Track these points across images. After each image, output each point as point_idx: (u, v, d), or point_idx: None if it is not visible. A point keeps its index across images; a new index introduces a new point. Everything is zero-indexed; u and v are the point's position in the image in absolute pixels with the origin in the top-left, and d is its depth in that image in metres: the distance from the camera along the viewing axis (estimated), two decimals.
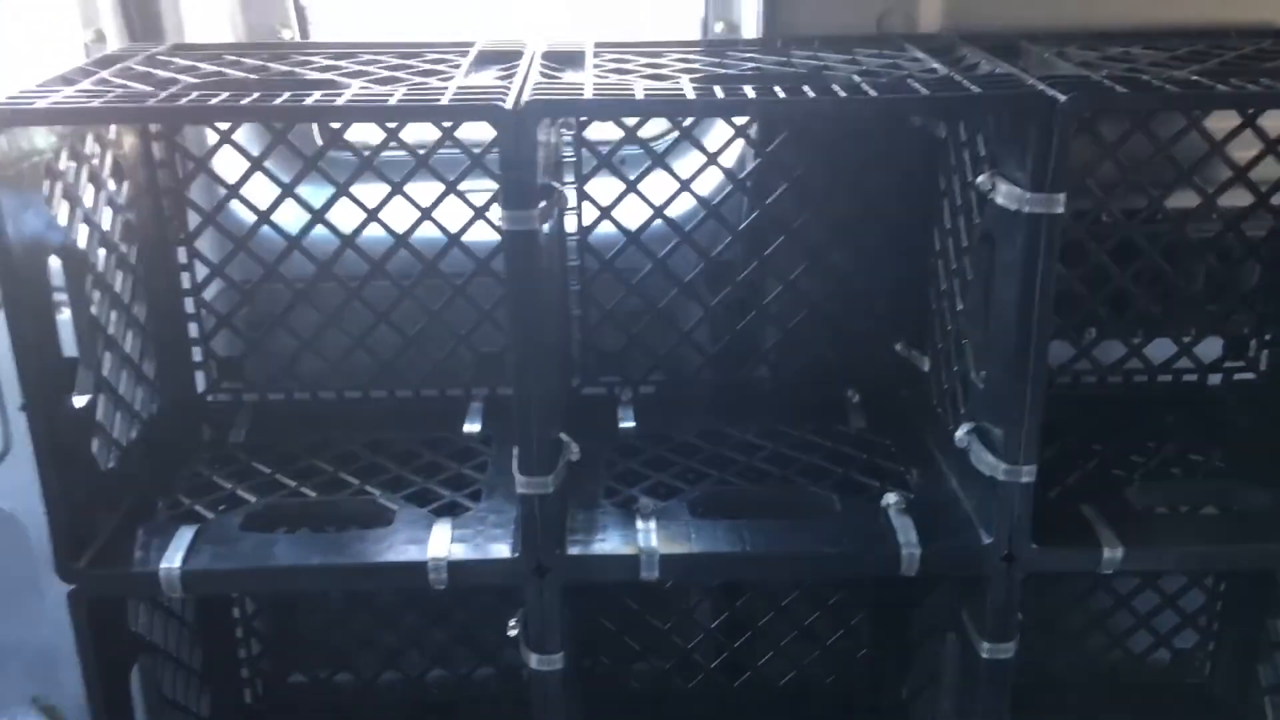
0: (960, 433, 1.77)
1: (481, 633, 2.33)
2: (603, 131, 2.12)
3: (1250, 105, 1.85)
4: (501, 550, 1.73)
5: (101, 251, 1.80)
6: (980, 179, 1.65)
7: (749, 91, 1.59)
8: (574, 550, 1.73)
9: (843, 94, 1.56)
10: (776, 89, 1.58)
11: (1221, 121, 1.97)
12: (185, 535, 1.73)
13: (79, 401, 1.71)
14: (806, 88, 1.59)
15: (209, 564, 1.69)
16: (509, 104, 1.51)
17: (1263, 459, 1.97)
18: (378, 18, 2.42)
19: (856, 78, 1.66)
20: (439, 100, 1.55)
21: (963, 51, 1.85)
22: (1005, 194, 1.59)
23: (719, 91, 1.60)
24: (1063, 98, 1.49)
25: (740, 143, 2.07)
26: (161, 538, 1.74)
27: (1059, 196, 1.53)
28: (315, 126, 2.20)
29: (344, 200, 2.00)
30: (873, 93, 1.57)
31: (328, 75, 1.75)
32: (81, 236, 1.73)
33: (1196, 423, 2.09)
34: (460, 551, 1.72)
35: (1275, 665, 2.20)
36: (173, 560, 1.68)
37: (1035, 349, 1.60)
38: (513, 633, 1.79)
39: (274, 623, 2.33)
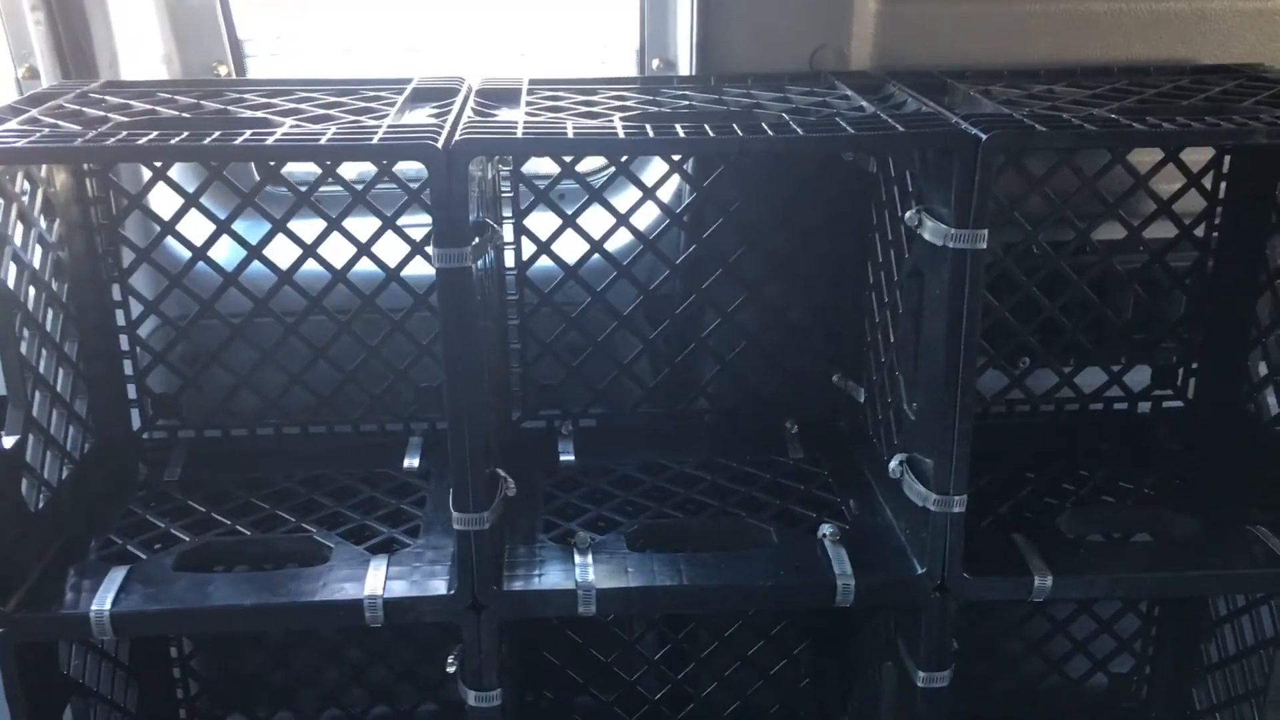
0: (893, 463, 1.79)
1: (424, 669, 2.32)
2: (540, 166, 2.14)
3: (1164, 143, 1.91)
4: (438, 587, 1.72)
5: (31, 290, 1.79)
6: (908, 215, 1.68)
7: (679, 130, 1.61)
8: (511, 586, 1.73)
9: (771, 133, 1.59)
10: (706, 127, 1.60)
11: (1145, 156, 2.02)
12: (116, 576, 1.71)
13: (7, 442, 1.69)
14: (735, 126, 1.61)
15: (140, 605, 1.67)
16: (440, 143, 1.52)
17: (1191, 486, 2.01)
18: (324, 52, 2.41)
19: (786, 116, 1.68)
20: (370, 139, 1.56)
21: (891, 89, 1.89)
22: (931, 230, 1.62)
23: (649, 130, 1.62)
24: (984, 136, 1.52)
25: (677, 178, 2.10)
26: (92, 579, 1.72)
27: (982, 232, 1.56)
28: (251, 163, 2.20)
29: (281, 235, 2.00)
30: (800, 131, 1.59)
31: (261, 113, 1.75)
32: (10, 275, 1.71)
33: (1127, 450, 2.13)
34: (396, 589, 1.71)
35: (1210, 688, 2.23)
36: (103, 602, 1.66)
37: (963, 381, 1.63)
38: (451, 669, 1.79)
39: (212, 662, 2.31)
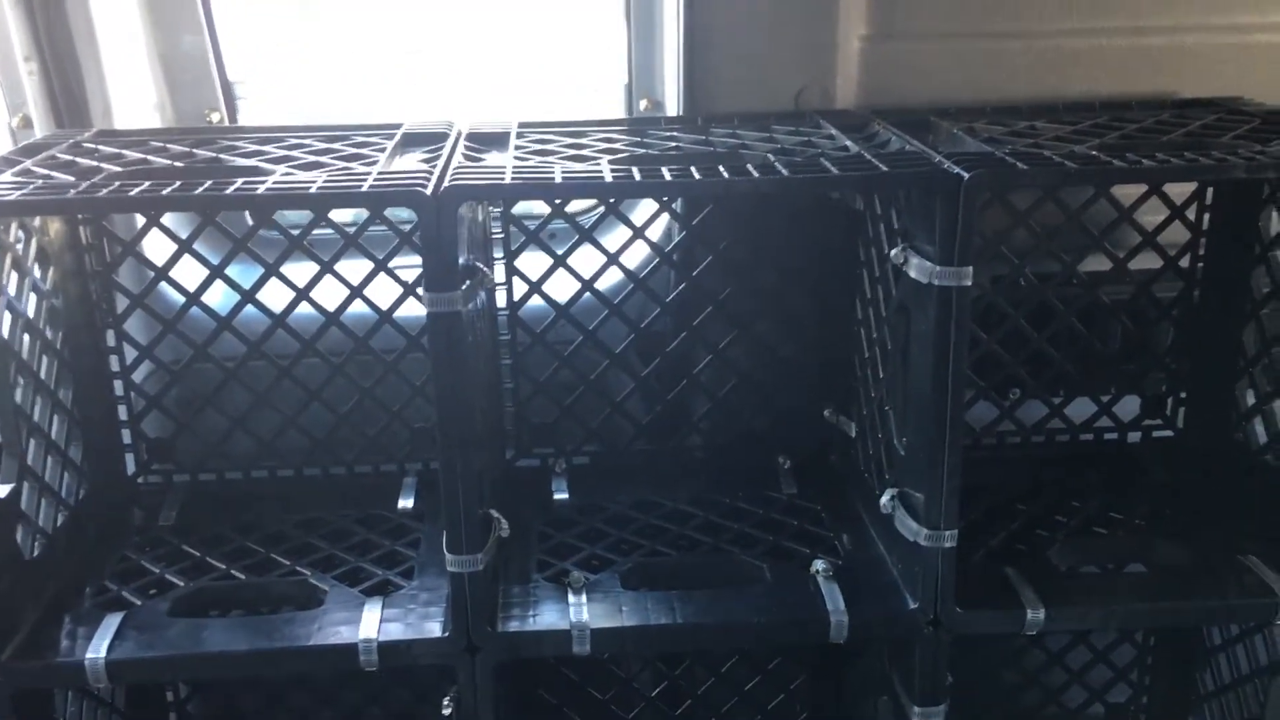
0: (884, 498, 1.80)
1: (421, 710, 2.31)
2: (531, 206, 2.16)
3: (1144, 179, 1.93)
4: (433, 629, 1.73)
5: (25, 337, 1.80)
6: (893, 252, 1.70)
7: (665, 173, 1.63)
8: (506, 627, 1.73)
9: (756, 174, 1.61)
10: (693, 169, 1.63)
11: (1130, 188, 2.04)
12: (111, 623, 1.72)
13: (1, 490, 1.70)
14: (722, 168, 1.63)
15: (135, 652, 1.68)
16: (429, 189, 1.54)
17: (1182, 516, 2.02)
18: (322, 61, 2.43)
19: (771, 156, 1.70)
20: (360, 187, 1.57)
21: (875, 128, 1.91)
22: (917, 267, 1.63)
23: (636, 173, 1.64)
24: (966, 175, 1.54)
25: (666, 216, 2.11)
26: (87, 626, 1.72)
27: (967, 269, 1.57)
28: None
29: (274, 279, 2.01)
30: (785, 172, 1.61)
31: (252, 161, 1.77)
32: (4, 324, 1.72)
33: (1118, 480, 2.13)
34: (391, 631, 1.72)
35: (1206, 717, 2.23)
36: (98, 649, 1.66)
37: (951, 417, 1.64)
38: (447, 711, 1.79)
39: (208, 705, 2.30)
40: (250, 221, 2.14)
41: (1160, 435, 2.20)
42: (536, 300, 2.10)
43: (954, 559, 1.70)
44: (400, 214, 2.07)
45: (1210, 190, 2.06)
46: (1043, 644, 2.31)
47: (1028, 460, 2.19)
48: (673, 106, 2.17)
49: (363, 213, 2.06)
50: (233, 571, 1.90)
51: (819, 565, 1.83)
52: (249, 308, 2.02)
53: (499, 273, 2.08)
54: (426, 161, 1.73)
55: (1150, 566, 1.94)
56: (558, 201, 2.04)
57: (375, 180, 1.60)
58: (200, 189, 1.56)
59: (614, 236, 2.12)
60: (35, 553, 1.78)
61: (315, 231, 2.03)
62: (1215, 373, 2.11)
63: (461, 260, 1.60)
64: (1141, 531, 1.99)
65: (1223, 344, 2.08)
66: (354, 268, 2.04)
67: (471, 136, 1.90)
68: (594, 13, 2.30)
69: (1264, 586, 1.78)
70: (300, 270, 2.03)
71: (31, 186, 1.59)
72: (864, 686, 2.05)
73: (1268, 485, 1.99)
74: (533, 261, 2.09)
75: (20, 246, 1.80)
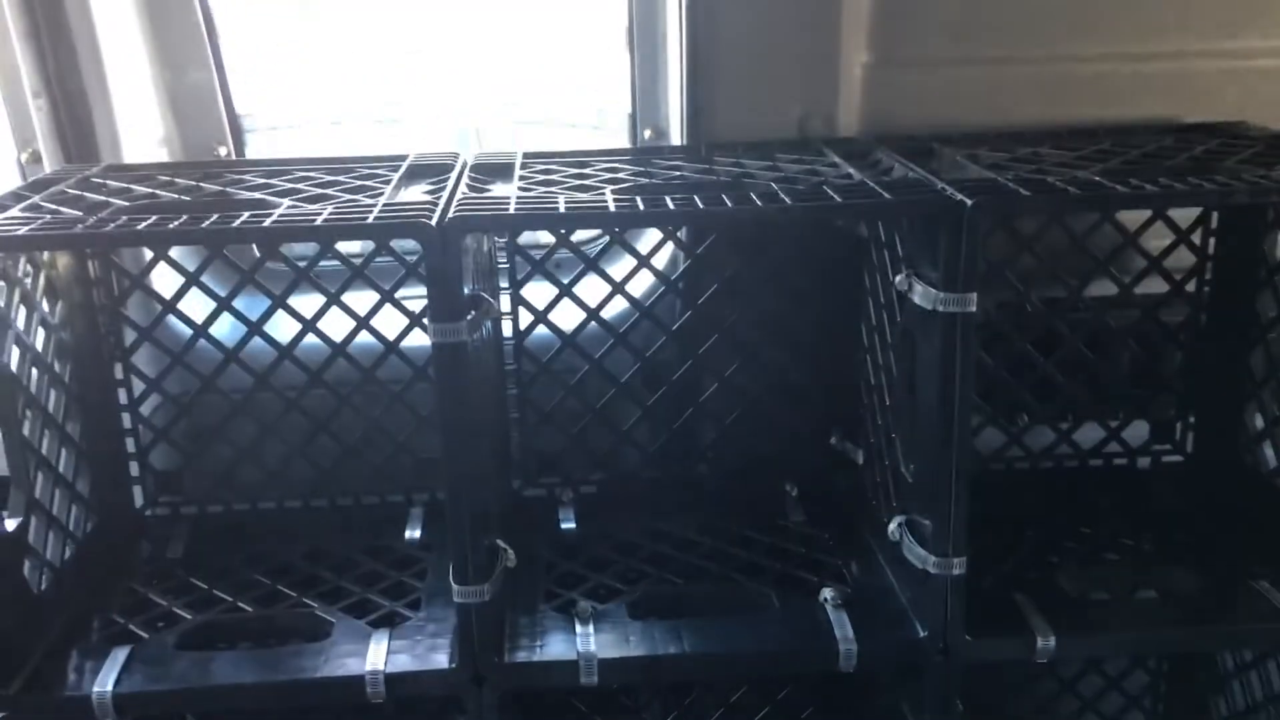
0: (892, 526, 1.80)
1: None
2: (537, 236, 2.17)
3: (1147, 205, 1.93)
4: (440, 660, 1.72)
5: (34, 371, 1.81)
6: (898, 279, 1.70)
7: (669, 202, 1.63)
8: (513, 658, 1.73)
9: (759, 202, 1.61)
10: (695, 199, 1.63)
11: (1135, 213, 2.04)
12: (118, 657, 1.71)
13: (10, 524, 1.70)
14: (725, 196, 1.63)
15: (142, 686, 1.67)
16: (434, 221, 1.55)
17: (1193, 541, 2.01)
18: (324, 63, 2.44)
19: (774, 185, 1.71)
20: (366, 219, 1.58)
21: (878, 155, 1.92)
22: (921, 293, 1.63)
23: (640, 202, 1.64)
24: (969, 202, 1.54)
25: (671, 245, 2.12)
26: (94, 659, 1.72)
27: (972, 296, 1.57)
28: None
29: (281, 311, 2.02)
30: (788, 201, 1.62)
31: (259, 194, 1.78)
32: (13, 358, 1.73)
33: (1128, 506, 2.12)
34: (398, 663, 1.71)
35: None
36: (105, 683, 1.66)
37: (958, 443, 1.63)
38: None
39: None
40: (257, 254, 2.15)
41: (1169, 460, 2.19)
42: (542, 330, 2.11)
43: (963, 586, 1.69)
44: (406, 245, 2.07)
45: (1215, 215, 2.06)
46: (1055, 671, 2.29)
47: (1036, 486, 2.18)
48: (676, 135, 2.17)
49: (369, 244, 2.07)
50: (240, 604, 1.90)
51: (827, 593, 1.82)
52: (256, 340, 2.03)
53: (504, 303, 2.09)
54: (431, 193, 1.74)
55: (1161, 592, 1.92)
56: (562, 231, 2.05)
57: (380, 212, 1.61)
58: (207, 222, 1.57)
59: (619, 265, 2.12)
60: (43, 586, 1.78)
61: (322, 263, 2.04)
62: (1223, 397, 2.10)
63: (467, 291, 1.61)
64: (1152, 557, 1.98)
65: (1231, 368, 2.08)
66: (360, 299, 2.05)
67: (476, 167, 1.92)
68: (597, 26, 2.32)
69: (1276, 612, 1.76)
70: (307, 302, 2.04)
71: (40, 221, 1.60)
72: (874, 715, 2.03)
73: (1278, 509, 1.98)
74: (538, 290, 2.10)
75: (29, 281, 1.81)
